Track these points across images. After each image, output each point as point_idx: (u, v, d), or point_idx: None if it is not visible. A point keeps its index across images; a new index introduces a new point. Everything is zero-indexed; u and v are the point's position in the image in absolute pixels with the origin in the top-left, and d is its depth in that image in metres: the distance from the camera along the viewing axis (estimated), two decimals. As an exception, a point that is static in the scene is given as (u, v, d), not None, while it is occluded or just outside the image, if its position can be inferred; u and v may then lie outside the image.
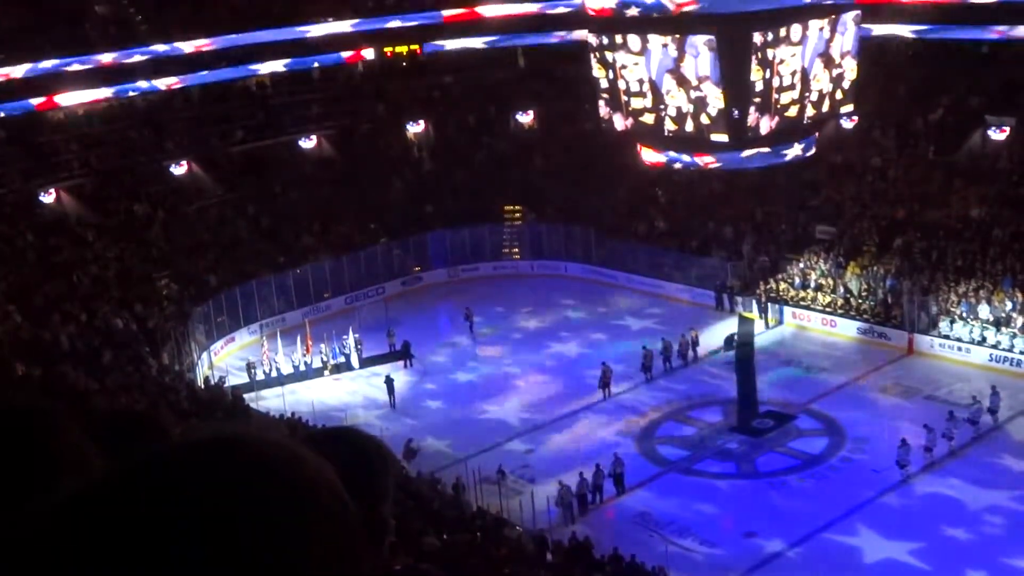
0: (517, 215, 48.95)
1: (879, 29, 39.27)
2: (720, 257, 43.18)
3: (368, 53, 50.58)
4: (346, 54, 49.97)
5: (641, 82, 29.81)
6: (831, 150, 41.90)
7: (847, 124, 42.90)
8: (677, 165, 32.13)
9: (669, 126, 29.56)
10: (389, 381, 35.42)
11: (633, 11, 27.98)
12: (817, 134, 30.88)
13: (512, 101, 52.55)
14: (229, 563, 0.98)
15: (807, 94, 28.22)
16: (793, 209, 43.60)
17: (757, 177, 40.78)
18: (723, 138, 29.08)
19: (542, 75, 52.79)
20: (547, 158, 50.56)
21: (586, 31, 31.32)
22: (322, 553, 1.03)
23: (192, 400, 32.30)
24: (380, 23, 49.36)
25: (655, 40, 28.81)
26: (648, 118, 30.20)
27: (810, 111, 28.37)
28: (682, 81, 28.55)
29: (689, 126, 29.15)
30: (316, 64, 49.97)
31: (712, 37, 27.58)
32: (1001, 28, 39.16)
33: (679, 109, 29.07)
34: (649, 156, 31.57)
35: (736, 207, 44.70)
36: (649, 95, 29.69)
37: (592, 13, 29.55)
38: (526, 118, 52.59)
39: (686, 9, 27.20)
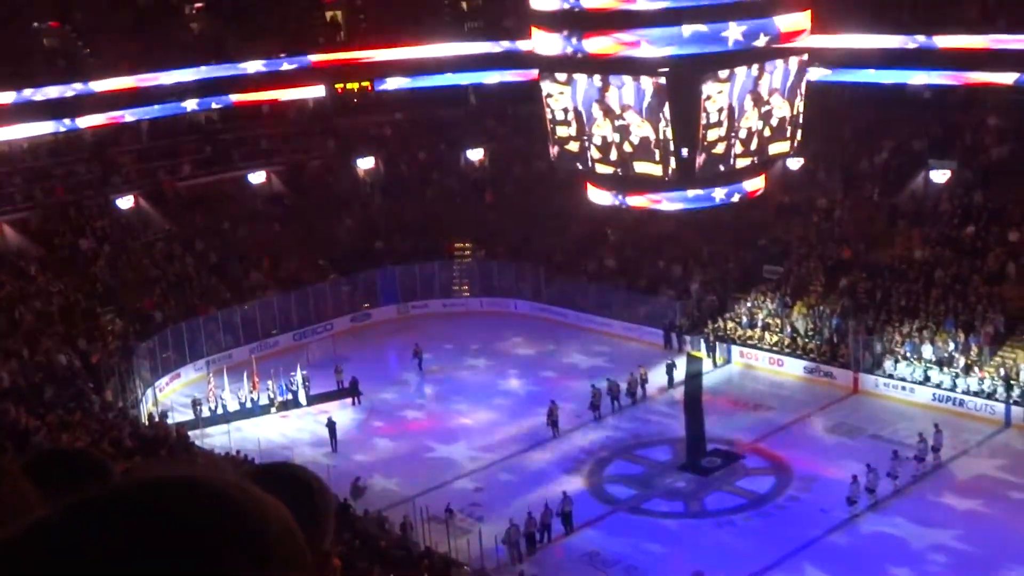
0: (467, 252, 48.99)
1: (822, 73, 39.97)
2: (669, 296, 43.46)
3: (319, 89, 50.56)
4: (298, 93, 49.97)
5: (566, 111, 29.99)
6: (778, 190, 42.42)
7: (793, 165, 43.52)
8: (619, 203, 32.23)
9: (594, 154, 29.68)
10: (331, 424, 35.01)
11: (575, 50, 28.17)
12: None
13: (463, 138, 52.75)
14: None
15: (734, 132, 28.26)
16: (741, 248, 44.03)
17: (706, 216, 41.13)
18: (668, 175, 29.16)
19: (493, 113, 53.11)
20: (498, 195, 50.72)
21: (536, 71, 31.50)
22: None
23: (136, 437, 31.79)
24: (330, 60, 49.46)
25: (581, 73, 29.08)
26: (573, 146, 30.34)
27: (738, 148, 28.44)
28: (608, 111, 28.75)
29: (613, 155, 29.24)
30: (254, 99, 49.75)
31: (662, 80, 27.83)
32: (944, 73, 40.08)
33: (604, 139, 29.22)
34: (596, 195, 31.69)
35: (685, 246, 45.07)
36: (574, 124, 29.85)
37: (541, 54, 29.72)
38: (477, 155, 52.77)
39: (630, 54, 27.38)
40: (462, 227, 49.00)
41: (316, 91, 50.67)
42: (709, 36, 26.85)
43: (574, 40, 27.93)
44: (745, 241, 44.17)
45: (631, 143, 28.60)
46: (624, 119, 28.45)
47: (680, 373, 36.89)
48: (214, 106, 49.26)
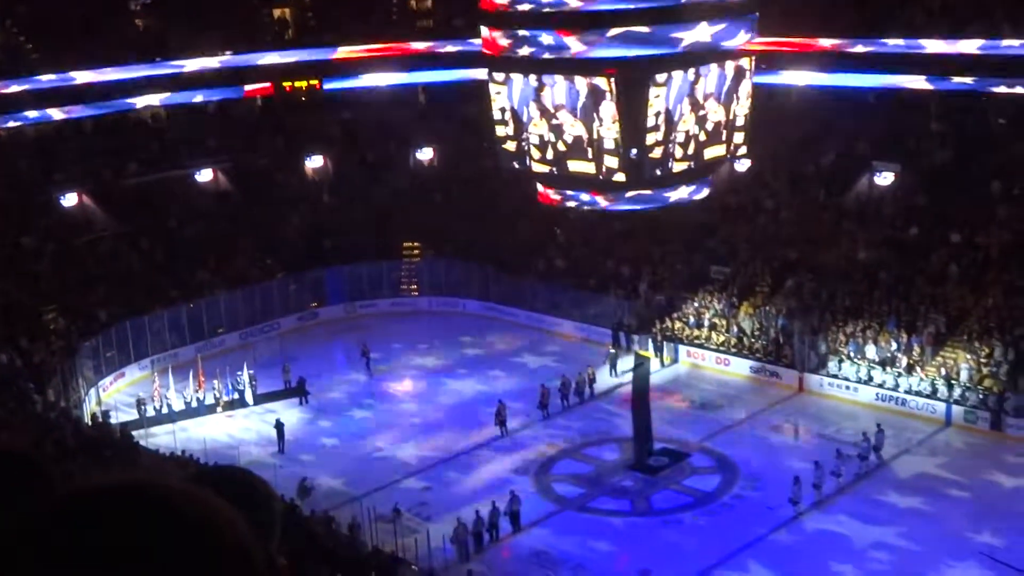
0: (416, 251, 48.90)
1: (771, 78, 40.33)
2: (617, 296, 43.66)
3: (266, 88, 50.12)
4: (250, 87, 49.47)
5: (503, 111, 30.05)
6: (725, 192, 42.76)
7: (741, 167, 43.90)
8: (572, 204, 32.28)
9: (532, 153, 29.76)
10: (279, 426, 34.71)
11: (526, 51, 28.17)
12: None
13: (412, 138, 52.62)
14: None
15: (671, 136, 28.35)
16: (689, 249, 44.35)
17: (655, 217, 41.38)
18: (602, 174, 29.23)
19: (443, 113, 53.01)
20: (447, 195, 50.67)
21: (486, 71, 31.48)
22: None
23: (78, 437, 31.37)
24: (279, 57, 49.07)
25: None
26: (510, 146, 30.41)
27: (677, 152, 28.58)
28: (544, 111, 28.85)
29: (549, 154, 29.31)
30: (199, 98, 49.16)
31: (597, 80, 27.86)
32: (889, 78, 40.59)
33: (541, 137, 29.33)
34: (545, 196, 31.75)
35: (634, 246, 45.30)
36: (511, 123, 29.91)
37: (489, 53, 29.69)
38: (426, 155, 52.66)
39: (581, 54, 27.43)
40: (411, 226, 48.89)
41: (263, 89, 50.22)
42: (662, 38, 26.98)
43: (527, 40, 27.95)
44: (693, 242, 44.49)
45: (564, 142, 28.73)
46: (558, 118, 28.59)
47: (622, 365, 37.23)
48: (160, 103, 48.68)
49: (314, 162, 51.70)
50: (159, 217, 47.01)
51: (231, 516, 1.08)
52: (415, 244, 48.81)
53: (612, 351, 40.30)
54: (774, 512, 29.25)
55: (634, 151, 28.56)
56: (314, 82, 50.30)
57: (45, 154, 46.67)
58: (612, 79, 27.63)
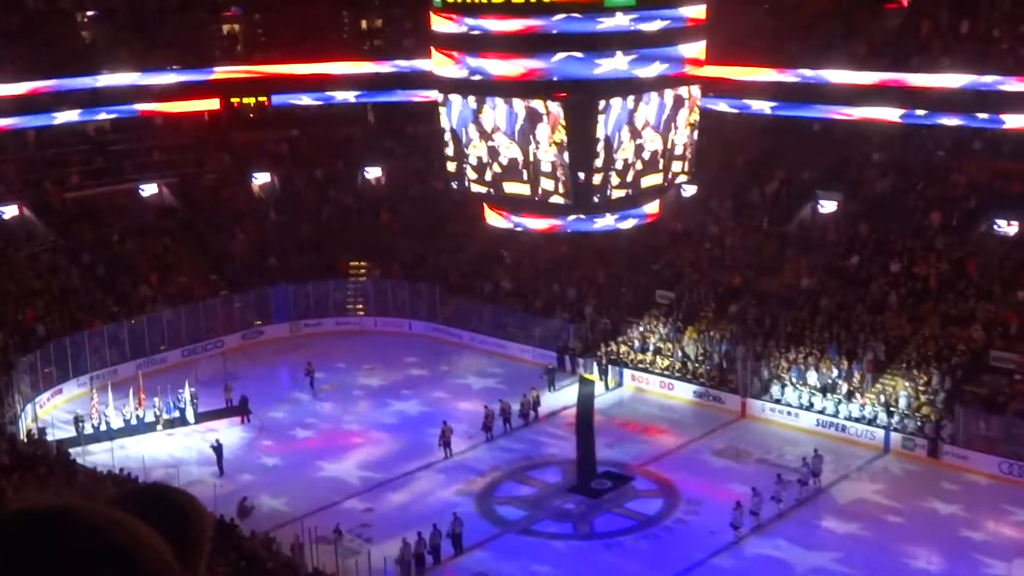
0: (362, 271, 48.72)
1: (716, 105, 40.84)
2: (563, 319, 43.80)
3: (214, 103, 49.84)
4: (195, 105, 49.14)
5: (443, 131, 30.19)
6: (671, 218, 43.10)
7: (687, 193, 44.28)
8: (517, 227, 32.37)
9: (470, 174, 29.89)
10: (218, 447, 34.11)
11: (472, 74, 28.26)
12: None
13: (361, 157, 52.53)
14: None
15: (611, 163, 28.51)
16: (634, 273, 44.61)
17: (601, 241, 41.62)
18: (537, 195, 29.34)
19: (392, 132, 53.00)
20: (395, 215, 50.59)
21: (438, 92, 31.50)
22: None
23: (14, 454, 30.81)
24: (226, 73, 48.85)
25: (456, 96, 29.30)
26: (451, 166, 30.52)
27: (615, 179, 28.76)
28: (482, 132, 29.03)
29: (488, 175, 29.43)
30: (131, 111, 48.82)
31: (535, 103, 28.00)
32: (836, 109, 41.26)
33: (479, 159, 29.52)
34: (493, 218, 31.82)
35: (580, 270, 45.50)
36: (451, 144, 30.04)
37: (437, 74, 29.73)
38: (374, 174, 52.58)
39: (531, 79, 27.56)
40: (358, 246, 48.72)
41: (211, 104, 49.93)
42: (608, 64, 27.16)
43: (475, 64, 28.04)
44: (639, 266, 44.78)
45: (500, 164, 28.90)
46: (494, 140, 28.76)
47: (566, 387, 37.40)
48: (105, 116, 48.22)
49: (261, 178, 51.37)
50: (101, 231, 46.42)
51: (153, 540, 1.09)
52: (362, 263, 48.62)
53: (550, 367, 40.60)
54: (715, 536, 29.42)
55: (581, 175, 28.69)
56: (263, 99, 50.13)
57: (-14, 165, 45.96)
58: (561, 103, 27.77)
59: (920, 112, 39.69)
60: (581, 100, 27.53)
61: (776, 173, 46.11)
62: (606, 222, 30.86)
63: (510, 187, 29.18)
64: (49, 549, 1.00)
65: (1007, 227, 39.46)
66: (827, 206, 43.67)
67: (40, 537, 1.01)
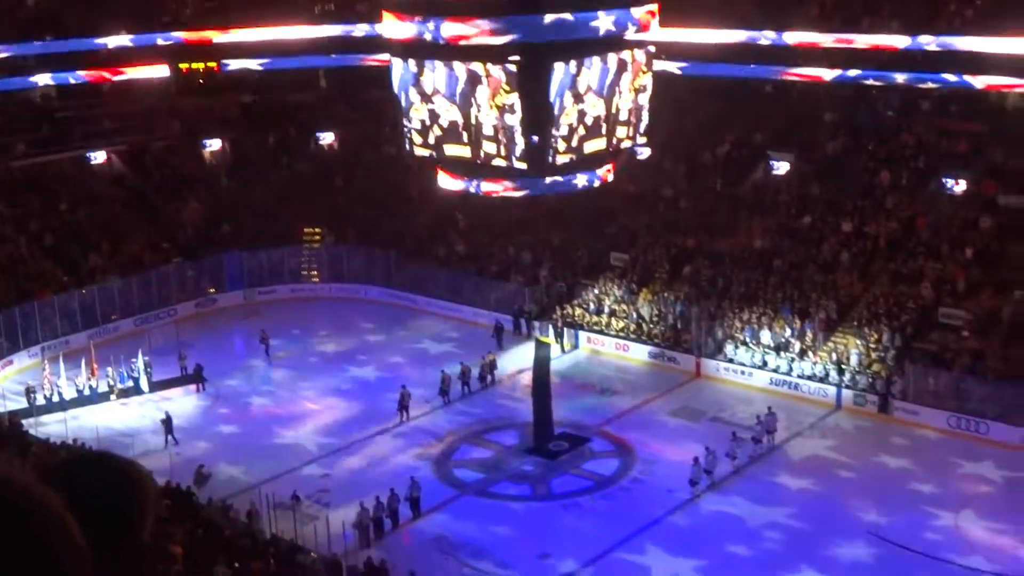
0: (316, 237, 48.45)
1: (669, 66, 40.86)
2: (518, 282, 43.86)
3: (163, 69, 49.12)
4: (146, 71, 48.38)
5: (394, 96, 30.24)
6: (625, 180, 43.17)
7: (641, 155, 44.32)
8: (469, 189, 32.33)
9: (414, 137, 29.87)
10: (168, 420, 33.62)
11: (423, 36, 28.11)
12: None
13: (313, 122, 52.10)
14: None
15: (555, 128, 28.51)
16: (589, 236, 44.72)
17: (555, 204, 41.64)
18: (480, 158, 29.38)
19: (344, 98, 52.59)
20: (348, 180, 50.29)
21: (388, 55, 31.29)
22: None
23: (-36, 426, 30.48)
24: (175, 39, 48.11)
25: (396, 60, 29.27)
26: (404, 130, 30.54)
27: (560, 145, 28.79)
28: (423, 95, 29.04)
29: (431, 138, 29.44)
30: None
31: (513, 66, 27.95)
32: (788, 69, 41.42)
33: (422, 122, 29.54)
34: (446, 182, 31.74)
35: (535, 233, 45.53)
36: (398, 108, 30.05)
37: (392, 39, 29.54)
38: (327, 140, 52.18)
39: (479, 41, 27.43)
40: (312, 212, 48.41)
41: (160, 70, 49.22)
42: (571, 25, 27.08)
43: (430, 26, 27.86)
44: (593, 229, 44.88)
45: (440, 127, 28.92)
46: (434, 103, 28.75)
47: (523, 350, 37.57)
48: (50, 82, 47.41)
49: (213, 145, 50.81)
50: (49, 200, 45.77)
51: (50, 500, 1.08)
52: (316, 229, 48.35)
53: (498, 325, 41.17)
54: (671, 495, 29.76)
55: (535, 138, 28.67)
56: (212, 64, 49.48)
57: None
58: (510, 66, 27.69)
59: (867, 72, 39.96)
60: (533, 63, 27.46)
61: (728, 135, 46.34)
62: (557, 181, 30.82)
63: (451, 149, 29.22)
64: None
65: (955, 186, 39.96)
66: (779, 167, 43.99)
67: None
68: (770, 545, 27.42)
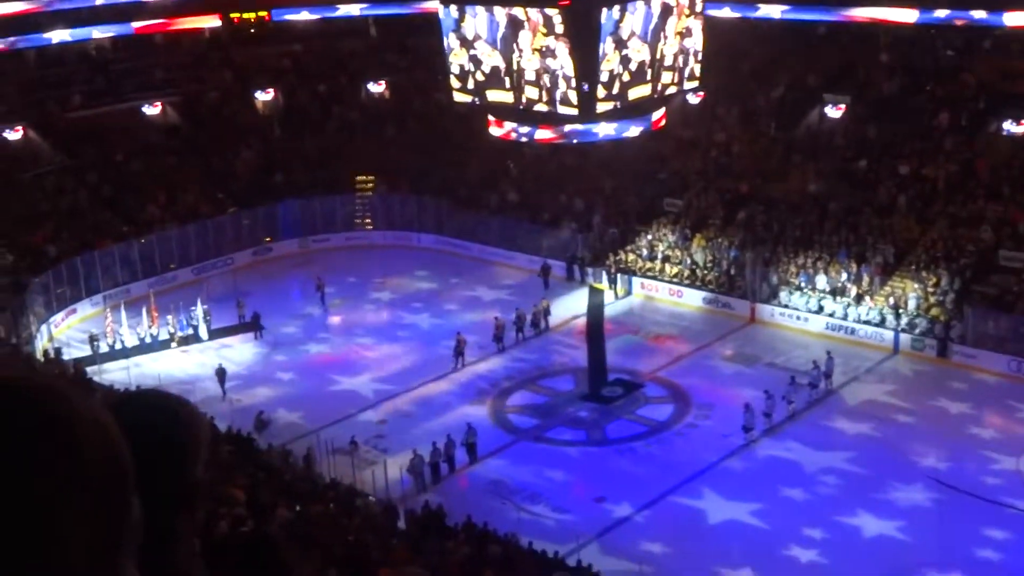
0: (369, 185, 48.60)
1: (720, 11, 40.33)
2: (571, 229, 43.78)
3: (214, 19, 49.30)
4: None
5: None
6: (678, 125, 42.83)
7: (693, 100, 43.90)
8: (519, 137, 32.27)
9: (455, 84, 29.92)
10: (221, 372, 33.92)
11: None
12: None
13: (364, 71, 52.05)
14: None
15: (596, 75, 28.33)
16: (642, 182, 44.47)
17: (608, 150, 41.42)
18: (521, 104, 29.27)
19: (394, 46, 52.47)
20: (399, 129, 50.28)
21: (437, 3, 31.17)
22: (73, 490, 1.00)
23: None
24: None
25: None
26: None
27: (600, 92, 28.54)
28: (464, 41, 28.99)
29: (470, 84, 29.42)
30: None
31: (555, 10, 27.72)
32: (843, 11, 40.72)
33: (461, 67, 29.51)
34: (496, 129, 31.68)
35: (587, 180, 45.35)
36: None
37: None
38: (378, 88, 52.15)
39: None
40: (364, 160, 48.52)
41: (211, 21, 49.38)
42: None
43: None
44: (646, 174, 44.60)
45: (483, 72, 28.84)
46: (475, 48, 28.64)
47: (576, 297, 37.52)
48: (100, 35, 47.77)
49: (265, 95, 50.99)
50: (106, 151, 46.26)
51: (95, 411, 1.07)
52: (368, 178, 48.49)
53: (545, 265, 41.51)
54: (726, 440, 29.78)
55: (586, 84, 28.50)
56: (263, 13, 49.57)
57: (-13, 87, 45.67)
58: (554, 10, 27.50)
59: (931, 11, 39.18)
60: (582, 9, 27.26)
61: (782, 78, 45.67)
62: (609, 130, 30.67)
63: (493, 95, 29.19)
64: None
65: (1016, 127, 39.17)
66: (834, 110, 43.31)
67: None
68: (826, 490, 27.40)
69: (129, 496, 1.06)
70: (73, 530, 0.98)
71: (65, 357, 35.00)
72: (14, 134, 44.74)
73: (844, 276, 37.26)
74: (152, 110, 48.57)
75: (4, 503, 0.95)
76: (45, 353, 35.61)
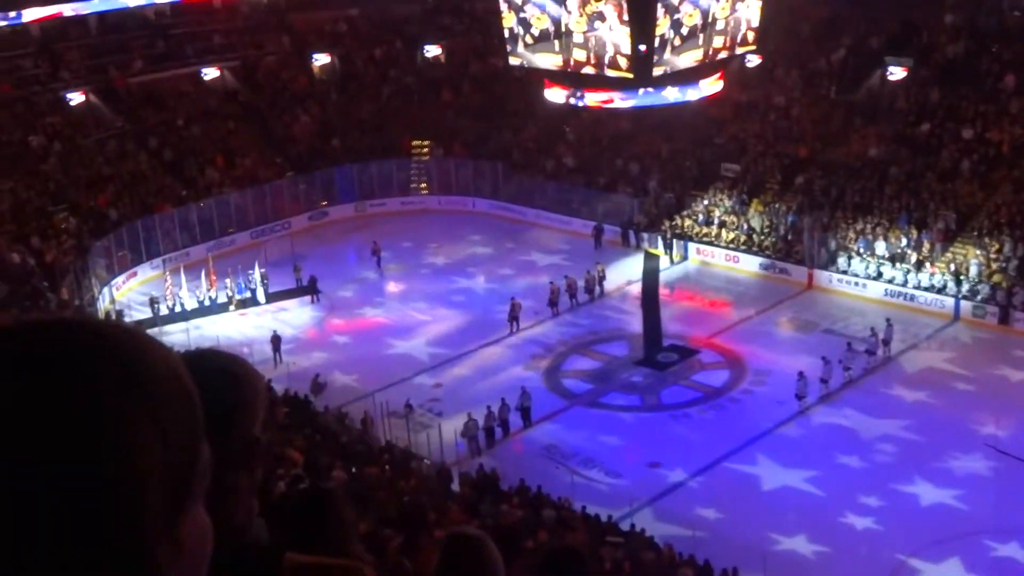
0: (425, 150, 48.68)
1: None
2: (627, 194, 43.57)
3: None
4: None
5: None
6: (735, 89, 42.35)
7: (751, 63, 43.35)
8: (576, 101, 32.11)
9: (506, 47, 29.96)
10: (276, 339, 33.86)
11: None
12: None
13: (420, 35, 52.02)
14: (57, 432, 0.96)
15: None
16: (698, 147, 44.09)
17: (664, 115, 41.06)
18: (570, 66, 29.13)
19: (450, 9, 52.35)
20: (455, 93, 50.23)
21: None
22: (154, 432, 1.02)
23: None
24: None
25: None
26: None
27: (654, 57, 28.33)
28: (511, 4, 28.96)
29: (520, 47, 29.36)
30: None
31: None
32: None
33: (510, 30, 29.45)
34: (553, 94, 31.55)
35: (643, 144, 45.06)
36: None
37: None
38: (434, 52, 52.09)
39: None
40: (419, 125, 48.59)
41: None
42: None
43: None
44: (702, 139, 44.21)
45: (532, 35, 28.70)
46: (524, 11, 28.50)
47: (632, 262, 37.37)
48: (160, 1, 48.18)
49: (321, 59, 51.17)
50: (166, 115, 46.77)
51: (166, 353, 1.08)
52: (424, 142, 48.56)
53: (597, 225, 41.55)
54: (782, 406, 29.60)
55: (643, 47, 28.29)
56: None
57: (50, 52, 46.26)
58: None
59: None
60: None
61: (843, 40, 44.91)
62: (668, 95, 30.45)
63: (543, 58, 29.09)
64: (48, 357, 0.99)
65: (1085, 89, 38.25)
66: (896, 73, 42.53)
67: (39, 345, 1.00)
68: (883, 457, 27.16)
69: (200, 438, 1.08)
70: (149, 469, 1.00)
71: (126, 319, 35.60)
72: (77, 99, 45.32)
73: (904, 242, 36.75)
74: (211, 75, 48.94)
75: (82, 441, 0.97)
76: (107, 315, 36.22)
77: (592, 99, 31.35)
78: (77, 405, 0.98)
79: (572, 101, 32.26)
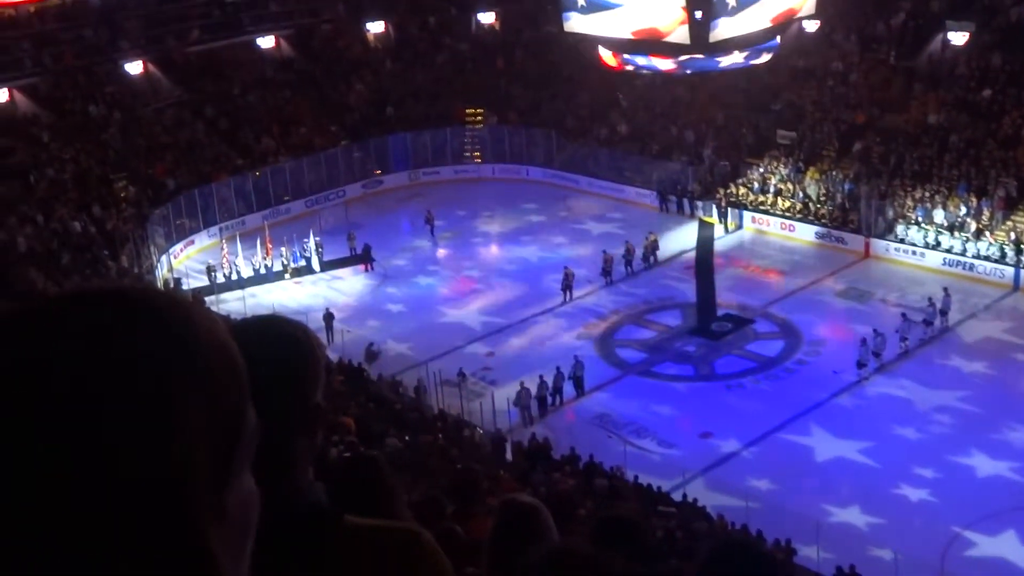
0: (478, 118, 48.62)
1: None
2: (681, 161, 43.27)
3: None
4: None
5: None
6: (793, 54, 41.81)
7: (809, 28, 42.70)
8: (630, 67, 31.90)
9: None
10: (328, 316, 33.46)
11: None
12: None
13: (474, 2, 51.83)
14: (99, 401, 0.98)
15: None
16: (754, 114, 43.62)
17: (719, 81, 40.67)
18: (684, 40, 28.82)
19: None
20: (509, 61, 50.08)
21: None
22: (199, 401, 1.03)
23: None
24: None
25: None
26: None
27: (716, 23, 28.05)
28: None
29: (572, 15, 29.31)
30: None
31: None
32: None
33: None
34: (607, 59, 31.35)
35: (698, 111, 44.65)
36: None
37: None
38: (488, 19, 51.91)
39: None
40: (473, 93, 48.53)
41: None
42: None
43: None
44: (758, 106, 43.72)
45: (586, 1, 28.57)
46: None
47: (686, 231, 37.18)
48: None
49: (376, 27, 51.21)
50: (223, 85, 47.13)
51: (211, 322, 1.09)
52: (478, 110, 48.51)
53: (661, 191, 42.07)
54: (837, 377, 29.40)
55: (699, 12, 28.04)
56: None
57: (109, 21, 46.72)
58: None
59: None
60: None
61: (902, 4, 44.07)
62: (732, 60, 30.19)
63: (596, 25, 28.96)
64: (106, 327, 1.01)
65: None
66: (957, 37, 41.68)
67: (92, 314, 1.02)
68: (939, 428, 26.92)
69: (247, 408, 1.10)
70: (194, 436, 1.02)
71: (184, 287, 36.09)
72: (136, 68, 45.79)
73: (963, 210, 36.17)
74: (267, 43, 49.19)
75: (129, 407, 0.99)
76: (165, 283, 36.75)
77: (647, 65, 31.13)
78: (125, 372, 1.00)
79: (627, 68, 32.07)
